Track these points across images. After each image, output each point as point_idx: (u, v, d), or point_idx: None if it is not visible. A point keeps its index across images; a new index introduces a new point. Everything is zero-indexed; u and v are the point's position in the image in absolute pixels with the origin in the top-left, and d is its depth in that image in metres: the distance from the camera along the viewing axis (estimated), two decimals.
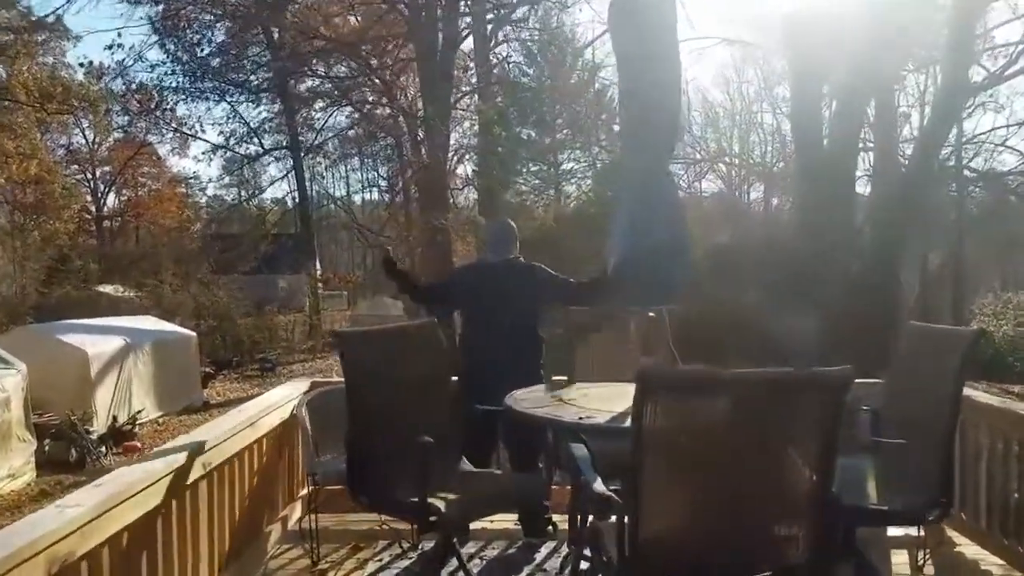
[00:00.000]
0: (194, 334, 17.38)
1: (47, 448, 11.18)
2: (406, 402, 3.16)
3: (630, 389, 3.31)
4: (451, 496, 2.88)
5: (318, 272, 30.27)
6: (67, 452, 11.46)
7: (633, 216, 3.17)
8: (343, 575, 3.82)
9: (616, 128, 24.81)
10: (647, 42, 3.09)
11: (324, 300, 29.93)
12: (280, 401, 4.19)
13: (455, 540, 3.04)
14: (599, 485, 2.30)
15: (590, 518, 2.63)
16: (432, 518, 2.68)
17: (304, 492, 4.36)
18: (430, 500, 2.71)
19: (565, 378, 4.28)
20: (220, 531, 3.35)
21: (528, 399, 3.11)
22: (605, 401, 3.08)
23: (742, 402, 2.10)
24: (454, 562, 3.20)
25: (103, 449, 12.11)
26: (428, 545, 3.63)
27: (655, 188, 3.16)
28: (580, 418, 2.73)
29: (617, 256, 3.16)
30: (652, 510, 2.05)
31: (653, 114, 3.08)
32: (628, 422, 2.71)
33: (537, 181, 25.22)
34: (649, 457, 2.07)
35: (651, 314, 3.12)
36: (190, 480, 2.95)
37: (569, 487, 4.29)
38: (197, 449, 3.05)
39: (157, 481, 2.67)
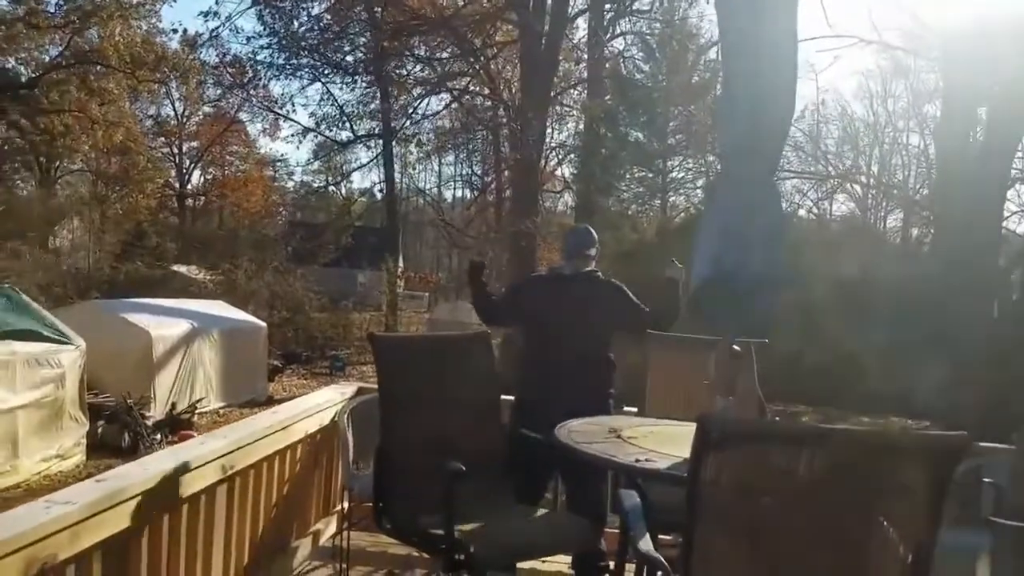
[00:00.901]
0: (265, 325, 17.80)
1: (100, 430, 11.58)
2: (446, 420, 3.06)
3: None
4: (487, 529, 2.76)
5: (399, 269, 30.65)
6: (120, 436, 11.85)
7: (727, 233, 2.96)
8: None
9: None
10: (760, 25, 2.89)
11: (403, 300, 30.22)
12: (322, 405, 4.16)
13: None
14: (645, 544, 2.14)
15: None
16: (459, 556, 2.56)
17: (340, 507, 4.33)
18: (459, 535, 2.60)
19: (635, 410, 4.14)
20: (239, 542, 3.33)
21: (582, 432, 2.94)
22: (671, 442, 2.89)
23: (826, 464, 1.90)
24: None
25: (158, 436, 12.47)
26: None
27: (757, 203, 2.95)
28: (636, 460, 2.55)
29: (702, 276, 2.95)
30: None
31: (760, 115, 2.88)
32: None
33: (641, 189, 24.87)
34: (705, 520, 1.90)
35: (735, 347, 2.91)
36: (206, 484, 2.93)
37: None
38: (218, 449, 3.04)
39: (165, 481, 2.65)
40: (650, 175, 24.66)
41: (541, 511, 3.20)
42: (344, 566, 3.87)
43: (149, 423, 12.48)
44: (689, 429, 3.26)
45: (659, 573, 2.04)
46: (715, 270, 2.87)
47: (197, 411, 13.98)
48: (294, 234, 28.77)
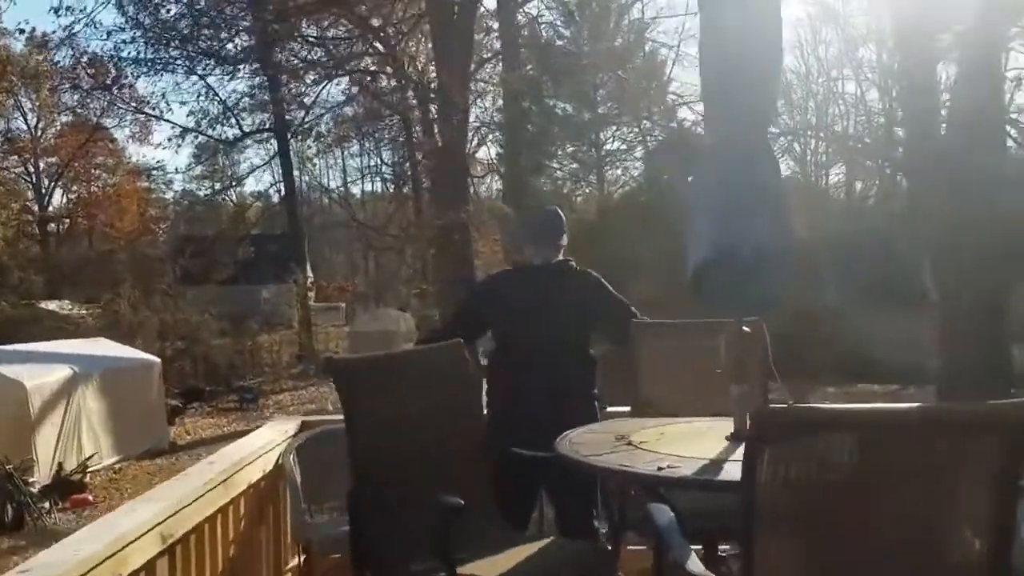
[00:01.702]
0: (158, 360, 17.30)
1: None
2: (424, 448, 2.93)
3: (716, 425, 3.08)
4: (486, 572, 2.63)
5: (309, 280, 30.18)
6: (2, 510, 11.38)
7: (726, 205, 2.88)
8: None
9: (670, 101, 24.68)
10: None
11: (317, 314, 29.81)
12: (264, 447, 3.97)
13: None
14: (695, 565, 2.04)
15: None
16: None
17: (295, 563, 4.15)
18: None
19: (628, 409, 4.05)
20: None
21: (587, 443, 2.84)
22: (687, 442, 2.82)
23: (895, 449, 1.87)
24: None
25: (47, 504, 12.01)
26: None
27: (755, 169, 2.87)
28: (659, 468, 2.46)
29: (702, 256, 2.86)
30: None
31: (749, 69, 2.81)
32: (723, 472, 2.48)
33: (575, 165, 24.96)
34: (766, 526, 1.83)
35: (746, 328, 2.85)
36: (145, 559, 2.73)
37: (647, 549, 4.05)
38: (154, 516, 2.84)
39: (99, 565, 2.46)
40: (584, 149, 24.74)
41: (542, 540, 3.08)
42: None
43: (35, 490, 11.99)
44: (702, 426, 3.22)
45: None
46: (715, 249, 2.79)
47: (88, 470, 13.51)
48: (182, 251, 28.10)
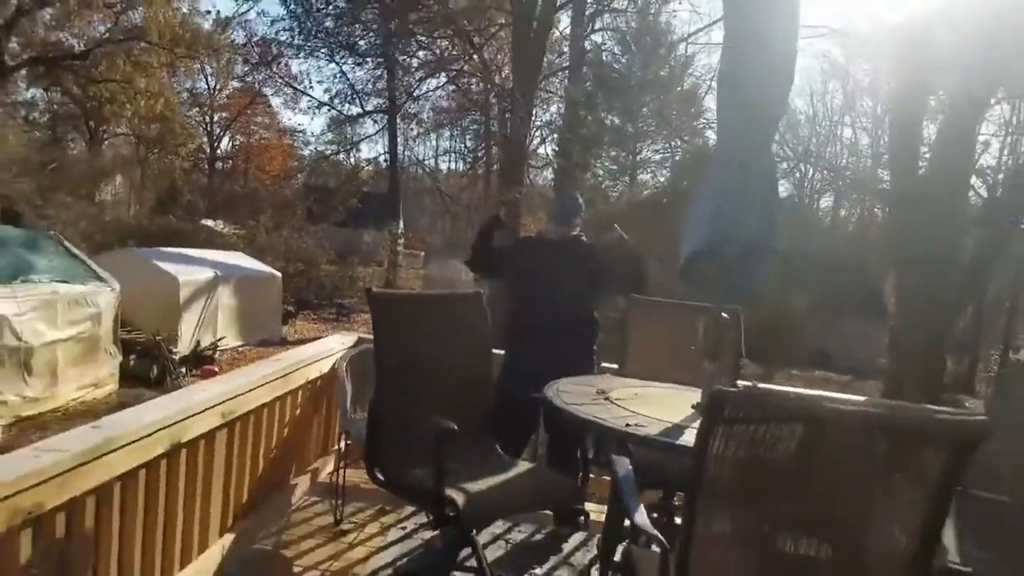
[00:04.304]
0: (280, 274, 17.37)
1: (132, 363, 11.26)
2: (438, 377, 2.74)
3: (685, 394, 2.84)
4: (475, 486, 2.45)
5: (400, 231, 30.19)
6: (150, 369, 11.59)
7: (721, 205, 2.59)
8: (364, 539, 3.46)
9: (699, 124, 24.01)
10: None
11: (402, 258, 29.88)
12: (323, 353, 3.83)
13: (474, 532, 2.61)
14: (641, 518, 1.82)
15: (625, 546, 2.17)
16: (449, 512, 2.25)
17: (337, 447, 4.02)
18: (448, 492, 2.29)
19: (616, 366, 3.83)
20: (239, 481, 3.02)
21: (572, 392, 2.63)
22: (659, 406, 2.59)
23: (846, 445, 1.58)
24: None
25: (183, 370, 12.24)
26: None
27: (754, 175, 2.58)
28: (627, 425, 2.24)
29: (693, 248, 2.60)
30: (704, 560, 1.57)
31: (760, 88, 2.51)
32: (683, 437, 2.25)
33: (614, 167, 24.44)
34: (708, 496, 1.58)
35: (724, 315, 2.60)
36: (205, 429, 2.61)
37: (607, 478, 3.85)
38: (217, 396, 2.71)
39: (163, 429, 2.32)
40: (623, 155, 24.19)
41: (526, 465, 2.88)
42: (340, 501, 3.58)
43: (176, 358, 12.19)
44: (674, 393, 2.98)
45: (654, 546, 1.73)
46: (707, 242, 2.52)
47: (218, 348, 13.67)
48: (309, 196, 28.12)
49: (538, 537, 3.61)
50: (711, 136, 23.35)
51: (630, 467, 2.00)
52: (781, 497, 1.62)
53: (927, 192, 10.87)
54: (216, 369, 12.94)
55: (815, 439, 1.56)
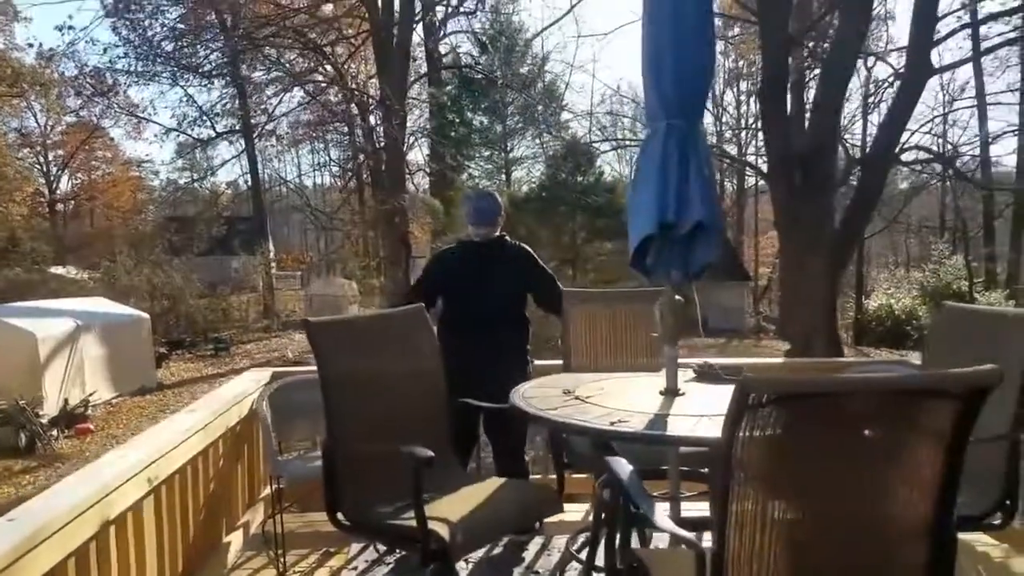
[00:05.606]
0: (147, 315, 16.26)
1: None
2: (393, 401, 2.55)
3: (646, 380, 2.79)
4: (454, 513, 2.26)
5: (271, 253, 29.13)
6: (16, 437, 10.63)
7: (664, 189, 2.52)
8: None
9: (565, 116, 24.48)
10: None
11: (277, 280, 28.91)
12: (240, 395, 3.52)
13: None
14: (665, 520, 1.69)
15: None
16: (433, 546, 2.06)
17: (266, 493, 3.72)
18: (431, 526, 2.09)
19: (555, 363, 3.75)
20: (172, 550, 2.70)
21: (537, 397, 2.49)
22: (627, 397, 2.51)
23: (870, 415, 1.55)
24: None
25: (54, 432, 11.25)
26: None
27: (691, 157, 2.52)
28: (612, 423, 2.13)
29: (642, 232, 2.52)
30: (740, 552, 1.48)
31: (684, 66, 2.47)
32: (670, 428, 2.17)
33: (489, 166, 24.54)
34: (743, 483, 1.49)
35: (678, 297, 2.55)
36: (131, 502, 2.29)
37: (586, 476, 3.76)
38: (140, 461, 2.39)
39: (90, 508, 2.01)
40: (496, 154, 24.30)
41: (496, 481, 2.70)
42: (280, 552, 3.28)
43: (44, 421, 11.14)
44: (634, 380, 2.92)
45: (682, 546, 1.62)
46: (656, 226, 2.46)
47: (90, 404, 12.67)
48: (167, 228, 26.66)
49: (497, 550, 3.46)
50: (576, 128, 23.94)
51: (631, 468, 1.89)
52: (810, 478, 1.56)
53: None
54: (91, 427, 11.99)
55: (840, 415, 1.51)
